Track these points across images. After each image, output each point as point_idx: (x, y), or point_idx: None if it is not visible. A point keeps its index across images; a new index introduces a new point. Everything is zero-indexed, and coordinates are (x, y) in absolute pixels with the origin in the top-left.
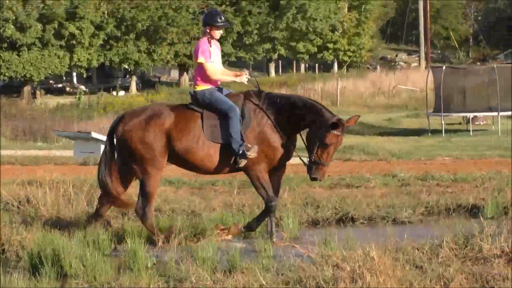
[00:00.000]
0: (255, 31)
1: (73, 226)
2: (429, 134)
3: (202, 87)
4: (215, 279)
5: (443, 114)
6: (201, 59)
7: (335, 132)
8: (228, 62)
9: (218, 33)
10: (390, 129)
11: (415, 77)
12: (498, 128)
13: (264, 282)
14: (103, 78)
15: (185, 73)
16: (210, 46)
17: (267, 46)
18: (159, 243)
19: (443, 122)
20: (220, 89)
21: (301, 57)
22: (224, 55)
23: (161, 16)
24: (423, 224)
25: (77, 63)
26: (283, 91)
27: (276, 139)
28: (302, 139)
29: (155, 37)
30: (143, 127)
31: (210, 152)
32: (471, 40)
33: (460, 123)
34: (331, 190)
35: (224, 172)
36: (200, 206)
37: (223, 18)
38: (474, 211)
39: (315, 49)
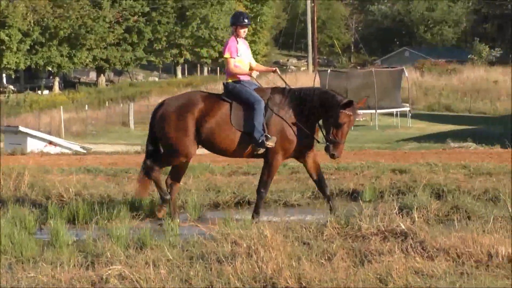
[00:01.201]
0: (164, 38)
1: (3, 208)
2: None
3: (231, 79)
4: (127, 255)
5: None
6: (226, 55)
7: (347, 111)
8: (140, 65)
9: (242, 31)
10: None
11: (304, 79)
12: (376, 124)
13: (171, 257)
14: (30, 79)
15: (102, 74)
16: (237, 44)
17: (175, 51)
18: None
19: None
20: (249, 83)
21: (204, 61)
22: (136, 59)
23: (81, 25)
24: (310, 206)
25: (6, 66)
26: (188, 90)
27: (293, 132)
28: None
29: (76, 43)
30: (176, 116)
31: (233, 138)
32: (352, 48)
33: None
34: (230, 177)
35: (244, 156)
36: (114, 191)
37: (246, 18)
38: (354, 195)
39: (217, 54)
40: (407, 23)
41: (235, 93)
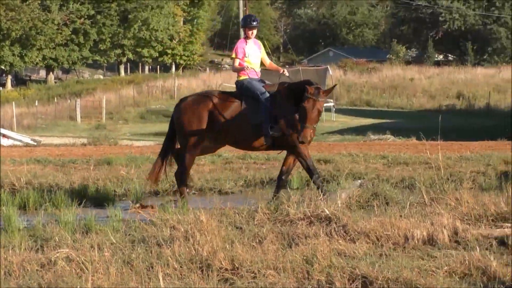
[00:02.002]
0: (108, 39)
1: None
2: None
3: (242, 77)
4: (74, 239)
5: None
6: (233, 55)
7: (311, 96)
8: (86, 64)
9: (251, 33)
10: None
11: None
12: None
13: (114, 241)
14: None
15: (51, 72)
16: (246, 44)
17: (118, 51)
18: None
19: None
20: (260, 80)
21: (146, 60)
22: (82, 58)
23: (31, 27)
24: (242, 194)
25: None
26: (131, 88)
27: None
28: None
29: (27, 43)
30: (192, 107)
31: (246, 130)
32: (281, 48)
33: None
34: (169, 167)
35: (261, 149)
36: (62, 180)
37: (254, 20)
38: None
39: (157, 54)
40: (331, 26)
41: (244, 89)
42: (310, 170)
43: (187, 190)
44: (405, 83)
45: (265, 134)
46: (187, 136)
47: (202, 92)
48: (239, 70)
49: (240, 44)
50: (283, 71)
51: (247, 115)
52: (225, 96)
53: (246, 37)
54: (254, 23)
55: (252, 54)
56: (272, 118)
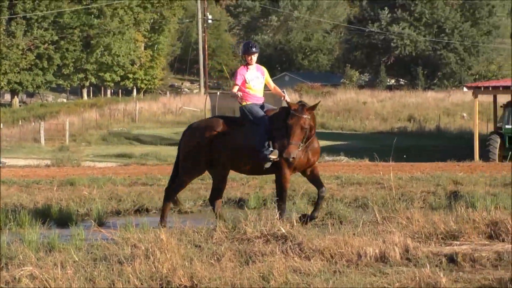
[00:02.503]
0: (71, 64)
1: None
2: None
3: (245, 103)
4: (38, 257)
5: None
6: (232, 81)
7: (295, 113)
8: (50, 87)
9: (250, 58)
10: (177, 140)
11: (196, 100)
12: None
13: (77, 259)
14: None
15: (15, 96)
16: (247, 70)
17: (81, 75)
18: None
19: None
20: (261, 106)
21: (108, 84)
22: (46, 82)
23: None
24: (201, 213)
25: None
26: (93, 111)
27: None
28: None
29: None
30: (196, 129)
31: (246, 154)
32: None
33: None
34: (131, 187)
35: (261, 173)
36: (26, 200)
37: (253, 47)
38: (240, 203)
39: (119, 78)
40: (287, 51)
41: (245, 114)
42: (280, 199)
43: (171, 206)
44: (358, 106)
45: (262, 158)
46: (186, 159)
47: (208, 119)
48: (234, 96)
49: (240, 70)
50: (284, 97)
51: (248, 140)
52: (230, 121)
53: (247, 64)
54: (253, 49)
55: (254, 80)
56: (270, 142)
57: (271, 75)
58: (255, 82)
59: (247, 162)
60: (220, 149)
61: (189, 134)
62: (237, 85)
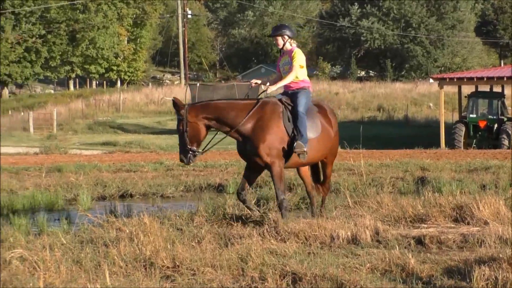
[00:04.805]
0: (58, 57)
1: None
2: None
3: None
4: (27, 240)
5: None
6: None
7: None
8: (38, 79)
9: (277, 42)
10: (159, 129)
11: (177, 91)
12: None
13: (64, 242)
14: None
15: (5, 87)
16: (281, 57)
17: (67, 68)
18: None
19: None
20: (285, 92)
21: (93, 76)
22: (35, 74)
23: None
24: (183, 198)
25: None
26: (80, 102)
27: None
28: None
29: None
30: None
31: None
32: (217, 65)
33: None
34: (115, 174)
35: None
36: (16, 186)
37: (274, 29)
38: (220, 188)
39: (103, 70)
40: (263, 44)
41: None
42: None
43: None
44: (330, 97)
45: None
46: None
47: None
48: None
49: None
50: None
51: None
52: None
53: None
54: (274, 32)
55: (283, 66)
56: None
57: (248, 67)
58: (283, 68)
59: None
60: None
61: None
62: (276, 72)
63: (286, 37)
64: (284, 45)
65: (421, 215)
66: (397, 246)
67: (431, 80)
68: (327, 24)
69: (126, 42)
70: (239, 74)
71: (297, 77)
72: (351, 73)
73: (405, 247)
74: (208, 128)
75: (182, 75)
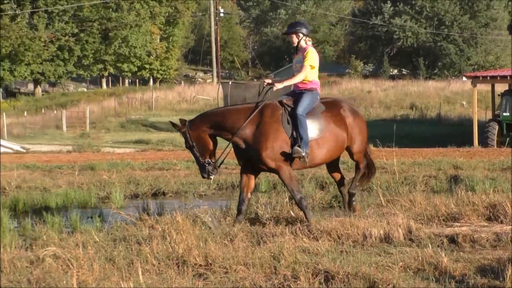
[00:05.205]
0: (91, 55)
1: None
2: None
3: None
4: (61, 238)
5: None
6: None
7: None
8: (71, 77)
9: (292, 40)
10: None
11: (209, 90)
12: None
13: (97, 239)
14: None
15: (38, 85)
16: (296, 55)
17: (100, 66)
18: None
19: None
20: (292, 92)
21: (126, 75)
22: (67, 72)
23: (20, 44)
24: (215, 196)
25: None
26: (112, 100)
27: None
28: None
29: (16, 59)
30: None
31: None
32: (249, 63)
33: None
34: (148, 172)
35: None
36: (50, 184)
37: (291, 27)
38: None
39: (136, 69)
40: None
41: None
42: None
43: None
44: (363, 95)
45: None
46: None
47: None
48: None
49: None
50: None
51: None
52: None
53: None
54: (289, 29)
55: (296, 64)
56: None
57: (280, 66)
58: (296, 66)
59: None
60: None
61: None
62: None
63: (301, 35)
64: (298, 43)
65: (454, 213)
66: (430, 245)
67: (464, 78)
68: (359, 22)
69: (158, 40)
70: (271, 72)
71: (306, 78)
72: (383, 71)
73: (438, 246)
74: (214, 137)
75: (215, 74)
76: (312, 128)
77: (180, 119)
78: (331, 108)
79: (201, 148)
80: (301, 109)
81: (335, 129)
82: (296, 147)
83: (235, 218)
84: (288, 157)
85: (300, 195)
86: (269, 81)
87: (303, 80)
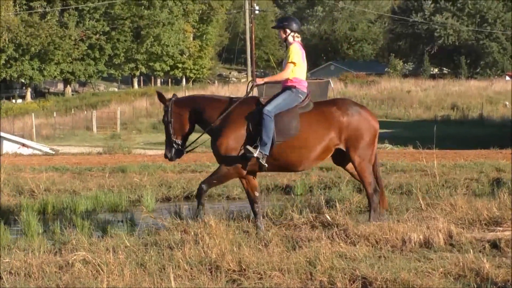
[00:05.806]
0: (122, 54)
1: None
2: None
3: None
4: (91, 242)
5: None
6: None
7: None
8: (102, 77)
9: (279, 35)
10: None
11: (244, 89)
12: None
13: (128, 244)
14: (5, 89)
15: (68, 85)
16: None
17: (131, 65)
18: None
19: None
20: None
21: (158, 74)
22: (98, 72)
23: (50, 42)
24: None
25: None
26: (144, 100)
27: None
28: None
29: (45, 58)
30: None
31: None
32: None
33: None
34: (180, 174)
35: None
36: (79, 186)
37: (279, 22)
38: (287, 189)
39: (168, 68)
40: (332, 41)
41: None
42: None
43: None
44: (402, 95)
45: None
46: None
47: None
48: None
49: None
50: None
51: None
52: None
53: None
54: (277, 24)
55: (284, 60)
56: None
57: (317, 65)
58: (284, 63)
59: None
60: None
61: None
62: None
63: (288, 31)
64: (286, 38)
65: (497, 218)
66: (471, 250)
67: (507, 78)
68: (399, 20)
69: (191, 38)
70: (308, 71)
71: (288, 75)
72: (423, 70)
73: (480, 251)
74: (192, 123)
75: (249, 73)
76: (284, 129)
77: (161, 93)
78: (323, 106)
79: (177, 127)
80: (269, 107)
81: (318, 129)
82: (247, 146)
83: (254, 221)
84: (243, 157)
85: (205, 187)
86: (261, 82)
87: (289, 77)
